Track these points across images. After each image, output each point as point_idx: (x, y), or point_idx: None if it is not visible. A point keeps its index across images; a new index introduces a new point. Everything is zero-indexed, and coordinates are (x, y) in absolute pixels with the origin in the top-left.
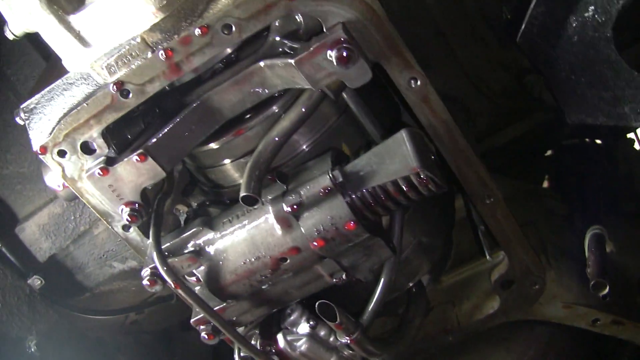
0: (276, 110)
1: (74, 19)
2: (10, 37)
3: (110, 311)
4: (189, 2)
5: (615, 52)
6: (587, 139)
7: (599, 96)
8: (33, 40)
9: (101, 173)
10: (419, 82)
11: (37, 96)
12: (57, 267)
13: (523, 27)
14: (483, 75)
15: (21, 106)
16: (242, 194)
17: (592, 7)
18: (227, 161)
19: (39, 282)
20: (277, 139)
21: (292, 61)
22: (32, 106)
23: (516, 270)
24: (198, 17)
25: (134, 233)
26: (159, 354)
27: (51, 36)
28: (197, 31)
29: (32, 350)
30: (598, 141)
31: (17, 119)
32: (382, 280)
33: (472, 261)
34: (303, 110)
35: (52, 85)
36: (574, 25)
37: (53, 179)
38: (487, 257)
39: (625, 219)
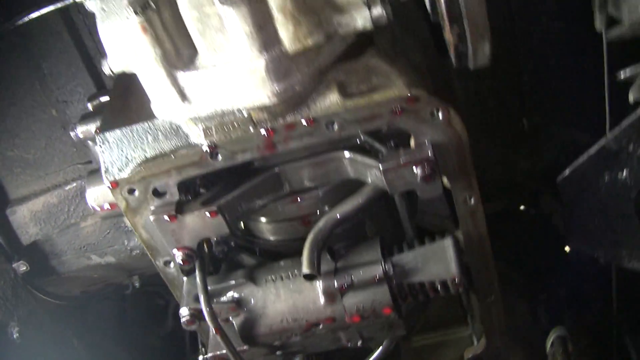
0: None
1: (182, 75)
2: (107, 72)
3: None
4: (300, 94)
5: (632, 210)
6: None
7: (604, 236)
8: (78, 42)
9: (169, 220)
10: (472, 201)
11: (118, 132)
12: (38, 252)
13: (567, 173)
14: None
15: (79, 126)
16: (305, 271)
17: (626, 172)
18: (267, 219)
19: (24, 267)
20: (337, 219)
21: (380, 166)
22: (110, 138)
23: (489, 354)
24: (307, 107)
25: (173, 269)
26: None
27: (151, 82)
28: (304, 121)
29: (15, 337)
30: None
31: (72, 134)
32: (383, 346)
33: (446, 329)
34: (365, 199)
35: (136, 127)
36: (606, 180)
37: (96, 200)
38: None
39: (588, 321)
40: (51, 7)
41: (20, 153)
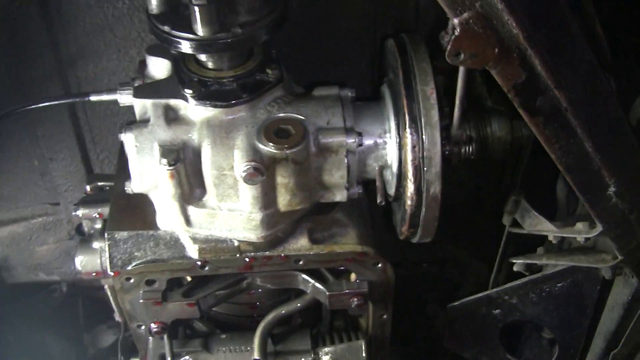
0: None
1: (191, 209)
2: (129, 190)
3: None
4: (277, 238)
5: (497, 334)
6: None
7: (473, 344)
8: (76, 128)
9: (155, 304)
10: (385, 317)
11: (125, 234)
12: None
13: (457, 304)
14: None
15: (81, 209)
16: (256, 357)
17: (499, 311)
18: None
19: None
20: (282, 314)
21: (326, 292)
22: (117, 237)
23: None
24: (282, 246)
25: (143, 331)
26: None
27: (163, 207)
28: (279, 257)
29: None
30: None
31: (73, 214)
32: None
33: None
34: (305, 304)
35: (142, 233)
36: (483, 312)
37: (85, 267)
38: None
39: None
40: (62, 101)
41: None
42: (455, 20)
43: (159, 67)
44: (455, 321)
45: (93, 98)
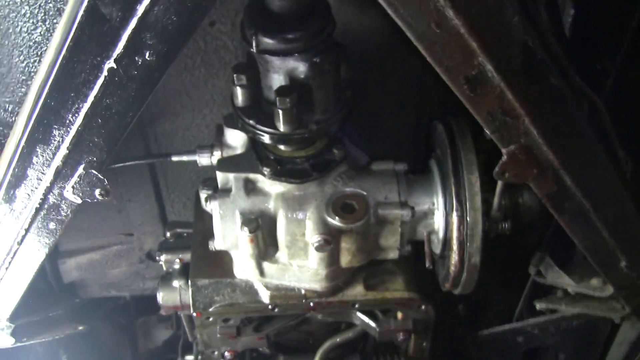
0: None
1: (265, 264)
2: (212, 248)
3: None
4: (337, 286)
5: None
6: None
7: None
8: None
9: (229, 339)
10: (425, 344)
11: (206, 281)
12: (72, 285)
13: (486, 332)
14: None
15: (164, 255)
16: None
17: (521, 337)
18: None
19: None
20: (336, 343)
21: (377, 329)
22: (200, 284)
23: None
24: (341, 293)
25: (216, 356)
26: None
27: (241, 261)
28: (338, 302)
29: None
30: None
31: (157, 257)
32: None
33: None
34: (356, 335)
35: (221, 280)
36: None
37: (166, 302)
38: None
39: None
40: (147, 161)
41: (78, 222)
42: (504, 150)
43: (235, 138)
44: (484, 344)
45: (174, 159)
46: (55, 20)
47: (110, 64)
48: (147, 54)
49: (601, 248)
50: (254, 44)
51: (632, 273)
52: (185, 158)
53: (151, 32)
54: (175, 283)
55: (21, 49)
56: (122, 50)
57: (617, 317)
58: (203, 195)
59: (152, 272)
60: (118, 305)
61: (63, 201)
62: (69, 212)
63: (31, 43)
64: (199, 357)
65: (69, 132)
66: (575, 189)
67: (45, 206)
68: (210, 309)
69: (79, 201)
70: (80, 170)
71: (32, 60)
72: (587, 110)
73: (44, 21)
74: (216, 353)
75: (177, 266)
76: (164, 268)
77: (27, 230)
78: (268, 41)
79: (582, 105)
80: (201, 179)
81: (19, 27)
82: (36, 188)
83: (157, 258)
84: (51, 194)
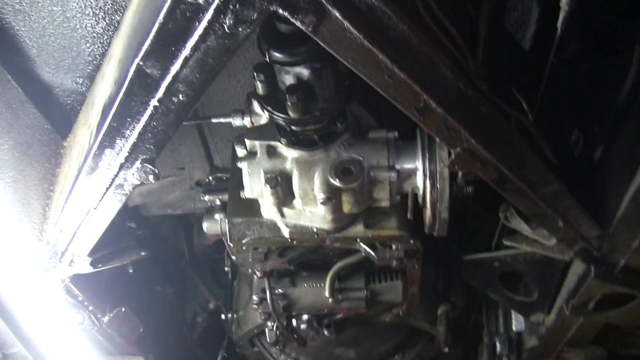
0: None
1: (284, 209)
2: (242, 196)
3: None
4: (341, 226)
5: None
6: None
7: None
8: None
9: (259, 262)
10: (416, 265)
11: (240, 219)
12: (135, 207)
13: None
14: None
15: (206, 195)
16: (327, 294)
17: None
18: None
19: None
20: (344, 265)
21: (375, 257)
22: (235, 221)
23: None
24: (345, 231)
25: (249, 273)
26: None
27: (265, 206)
28: (342, 238)
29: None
30: None
31: (201, 197)
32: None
33: None
34: (360, 259)
35: (252, 219)
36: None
37: (209, 229)
38: None
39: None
40: (192, 122)
41: None
42: (452, 151)
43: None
44: (469, 266)
45: (214, 120)
46: (112, 17)
47: (154, 102)
48: (180, 96)
49: (541, 214)
50: (267, 56)
51: (568, 229)
52: (222, 120)
53: (182, 83)
54: (217, 216)
55: (87, 39)
56: (162, 95)
57: (565, 257)
58: (237, 149)
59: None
60: None
61: (126, 182)
62: (130, 188)
63: (94, 34)
64: None
65: (128, 141)
66: (511, 176)
67: (113, 185)
68: (243, 241)
69: (138, 182)
70: (138, 164)
71: (95, 47)
72: (514, 123)
73: (104, 18)
74: (250, 270)
75: (218, 202)
76: (208, 204)
77: (100, 200)
78: (278, 55)
79: (510, 120)
80: None
81: (85, 23)
82: (106, 175)
83: (201, 198)
84: (117, 178)
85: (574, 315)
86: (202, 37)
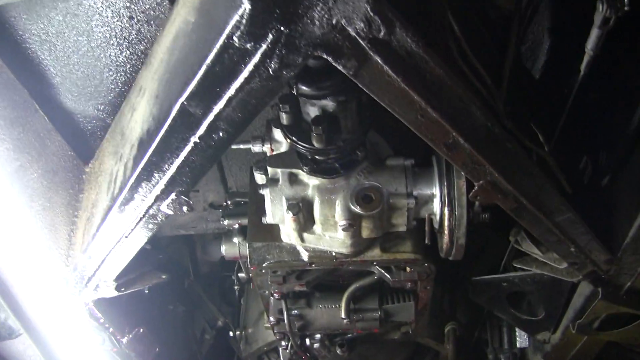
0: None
1: (304, 234)
2: (264, 222)
3: None
4: (359, 250)
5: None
6: None
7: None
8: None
9: (277, 284)
10: (429, 287)
11: (260, 244)
12: None
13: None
14: None
15: (226, 220)
16: (343, 315)
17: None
18: None
19: None
20: (359, 287)
21: (390, 279)
22: (255, 246)
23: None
24: (363, 255)
25: (267, 294)
26: None
27: (286, 232)
28: (360, 261)
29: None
30: None
31: (220, 221)
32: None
33: None
34: (375, 281)
35: (272, 244)
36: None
37: (227, 252)
38: None
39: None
40: None
41: None
42: (475, 184)
43: (281, 135)
44: (478, 286)
45: (233, 147)
46: (136, 46)
47: (195, 139)
48: (221, 133)
49: (554, 240)
50: (294, 89)
51: (580, 254)
52: (242, 146)
53: (223, 121)
54: (235, 240)
55: (110, 67)
56: (203, 132)
57: (574, 280)
58: (256, 174)
59: (213, 217)
60: None
61: (159, 213)
62: (162, 218)
63: (118, 63)
64: None
65: (165, 175)
66: (530, 206)
67: (146, 215)
68: (264, 264)
69: (171, 213)
70: (173, 195)
71: (118, 75)
72: (535, 157)
73: (127, 48)
74: (267, 292)
75: (236, 226)
76: (226, 228)
77: (132, 230)
78: (305, 88)
79: (532, 156)
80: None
81: (109, 52)
82: (140, 205)
83: (221, 223)
84: (151, 209)
85: (579, 334)
86: (247, 80)
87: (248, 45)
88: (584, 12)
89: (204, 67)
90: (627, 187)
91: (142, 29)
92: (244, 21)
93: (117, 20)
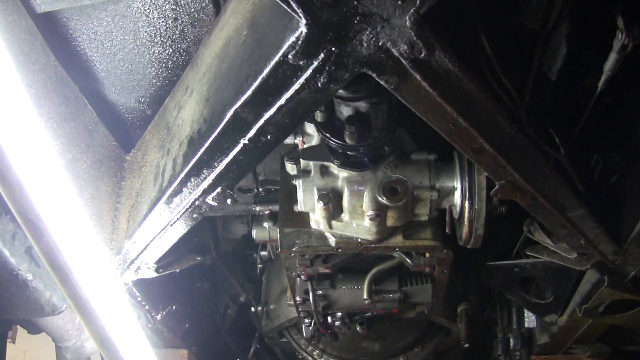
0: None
1: (333, 222)
2: (296, 209)
3: None
4: (383, 237)
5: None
6: None
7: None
8: None
9: (305, 267)
10: (445, 272)
11: (290, 230)
12: None
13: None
14: None
15: (259, 206)
16: (365, 297)
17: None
18: None
19: None
20: (381, 270)
21: (411, 263)
22: (286, 231)
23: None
24: (386, 241)
25: (293, 274)
26: None
27: (316, 219)
28: (383, 247)
29: None
30: None
31: (252, 207)
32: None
33: None
34: (396, 264)
35: (301, 229)
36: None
37: (258, 236)
38: None
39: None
40: None
41: None
42: (497, 183)
43: (312, 129)
44: (491, 270)
45: None
46: (179, 45)
47: (244, 140)
48: (269, 137)
49: (567, 233)
50: None
51: (589, 246)
52: None
53: (272, 126)
54: (265, 224)
55: (153, 63)
56: (252, 135)
57: (582, 268)
58: (287, 164)
59: (241, 199)
60: None
61: (204, 204)
62: (207, 208)
63: (160, 60)
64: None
65: (214, 171)
66: (546, 203)
67: (192, 206)
68: (293, 249)
69: (216, 205)
70: (219, 189)
71: (160, 71)
72: (553, 160)
73: (170, 46)
74: (294, 274)
75: (267, 212)
76: (258, 213)
77: (177, 219)
78: (341, 91)
79: (549, 159)
80: None
81: (153, 50)
82: (187, 198)
83: (252, 208)
84: (197, 201)
85: (585, 317)
86: (298, 91)
87: (301, 62)
88: (601, 25)
89: (259, 80)
90: (634, 184)
91: (185, 30)
92: (299, 42)
93: (163, 21)
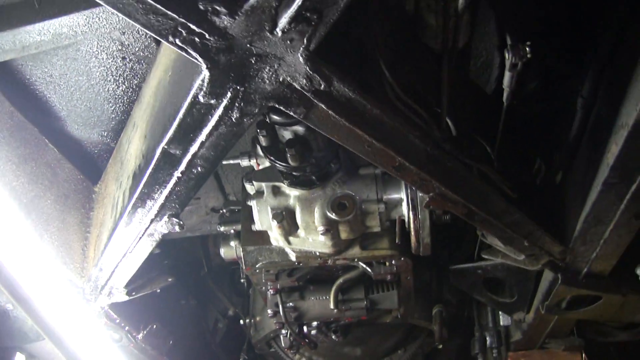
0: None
1: (290, 237)
2: (254, 228)
3: None
4: (340, 249)
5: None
6: None
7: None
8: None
9: (271, 281)
10: (409, 279)
11: (252, 248)
12: None
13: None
14: None
15: (222, 226)
16: (331, 306)
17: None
18: None
19: None
20: (345, 280)
21: (372, 272)
22: (248, 249)
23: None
24: (344, 253)
25: (263, 290)
26: None
27: (274, 236)
28: (342, 259)
29: None
30: None
31: (217, 228)
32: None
33: None
34: (359, 275)
35: (263, 247)
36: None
37: (225, 254)
38: None
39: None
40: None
41: None
42: (426, 196)
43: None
44: (456, 273)
45: (224, 162)
46: (131, 82)
47: (177, 174)
48: (199, 168)
49: (507, 237)
50: (267, 119)
51: (533, 247)
52: (231, 161)
53: (200, 159)
54: (232, 243)
55: (109, 100)
56: (184, 168)
57: (535, 268)
58: (247, 185)
59: (215, 219)
60: None
61: (156, 232)
62: (159, 236)
63: (116, 96)
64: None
65: (157, 202)
66: (478, 211)
67: (146, 234)
68: (257, 265)
69: (166, 232)
70: (165, 218)
71: (117, 106)
72: (477, 170)
73: (123, 83)
74: (263, 288)
75: (232, 231)
76: (223, 233)
77: (134, 246)
78: (276, 118)
79: (472, 170)
80: None
81: (107, 88)
82: (138, 227)
83: (217, 229)
84: (148, 229)
85: (548, 314)
86: (215, 127)
87: (212, 101)
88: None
89: (177, 119)
90: (573, 186)
91: (134, 67)
92: (205, 84)
93: (112, 61)
